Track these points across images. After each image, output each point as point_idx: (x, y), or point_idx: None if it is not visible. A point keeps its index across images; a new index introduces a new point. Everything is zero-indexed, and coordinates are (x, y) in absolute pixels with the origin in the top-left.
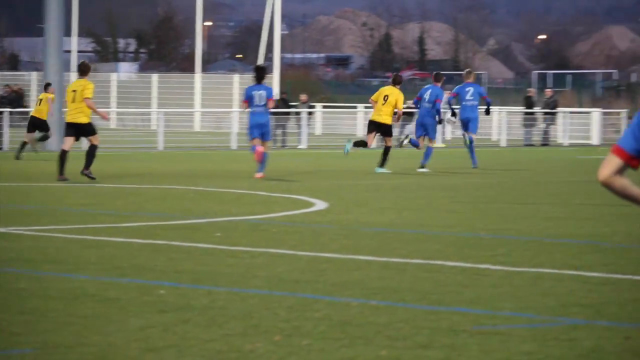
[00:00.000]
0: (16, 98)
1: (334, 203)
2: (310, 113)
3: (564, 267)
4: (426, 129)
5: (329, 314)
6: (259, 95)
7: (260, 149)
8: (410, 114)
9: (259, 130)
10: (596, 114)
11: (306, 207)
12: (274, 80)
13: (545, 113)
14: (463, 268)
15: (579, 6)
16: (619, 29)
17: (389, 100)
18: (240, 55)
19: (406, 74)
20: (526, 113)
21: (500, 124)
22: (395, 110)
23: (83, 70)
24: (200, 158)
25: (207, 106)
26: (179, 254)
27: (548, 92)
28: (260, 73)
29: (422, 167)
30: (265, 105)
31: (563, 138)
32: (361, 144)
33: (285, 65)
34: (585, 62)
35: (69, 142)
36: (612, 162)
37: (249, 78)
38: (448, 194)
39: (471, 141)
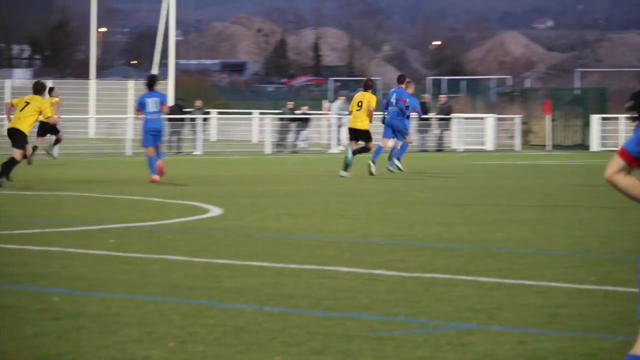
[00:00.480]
0: None
1: (229, 209)
2: (205, 119)
3: (457, 273)
4: (395, 132)
5: (224, 320)
6: (153, 101)
7: (160, 164)
8: (307, 120)
9: (153, 138)
10: (490, 119)
11: (201, 214)
12: (169, 87)
13: (440, 119)
14: (357, 274)
15: (472, 12)
16: (512, 35)
17: (363, 106)
18: (135, 62)
19: (301, 80)
20: (420, 119)
21: None
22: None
23: None
24: (94, 164)
25: (102, 112)
26: (73, 261)
27: (442, 97)
28: (152, 81)
29: (397, 164)
30: (159, 111)
31: (457, 144)
32: (363, 149)
33: (180, 72)
34: (479, 68)
35: None
36: (616, 162)
37: (144, 84)
38: (343, 199)
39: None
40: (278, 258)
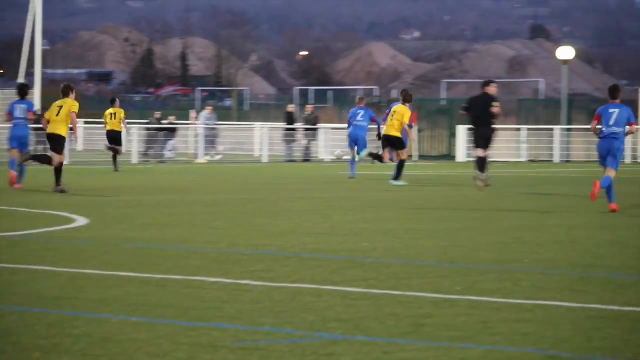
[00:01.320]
0: None
1: (95, 219)
2: (71, 129)
3: (323, 283)
4: (392, 144)
5: (89, 331)
6: (21, 108)
7: (13, 174)
8: (174, 130)
9: (18, 142)
10: None
11: (67, 223)
12: (35, 96)
13: (306, 129)
14: (224, 284)
15: (340, 23)
16: (379, 46)
17: (396, 116)
18: (2, 71)
19: (168, 90)
20: (287, 129)
21: (262, 140)
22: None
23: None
24: None
25: None
26: None
27: (309, 108)
28: (23, 90)
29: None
30: (25, 118)
31: (324, 154)
32: (377, 156)
33: (47, 81)
34: (346, 78)
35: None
36: None
37: (10, 93)
38: (210, 209)
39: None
40: (144, 268)
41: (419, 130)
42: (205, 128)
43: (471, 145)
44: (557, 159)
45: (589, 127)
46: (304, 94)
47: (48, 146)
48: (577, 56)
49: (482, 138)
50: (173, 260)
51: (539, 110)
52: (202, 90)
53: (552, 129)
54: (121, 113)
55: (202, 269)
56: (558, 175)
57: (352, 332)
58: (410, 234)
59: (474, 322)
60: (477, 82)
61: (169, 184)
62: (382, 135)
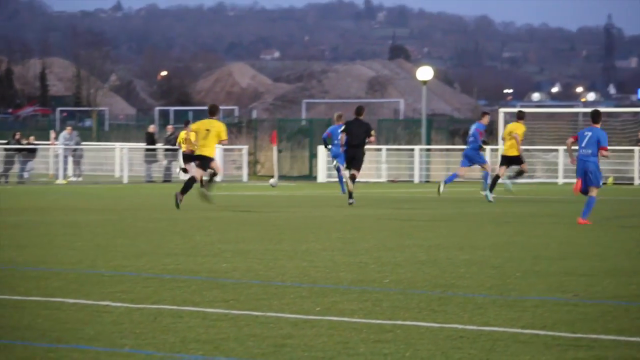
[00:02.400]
0: None
1: None
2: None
3: (184, 304)
4: (471, 160)
5: None
6: None
7: None
8: (33, 151)
9: None
10: (218, 150)
11: None
12: None
13: (167, 149)
14: (84, 305)
15: (200, 43)
16: (239, 66)
17: (511, 135)
18: None
19: (27, 110)
20: (147, 149)
21: (122, 160)
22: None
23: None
24: None
25: None
26: None
27: (169, 128)
28: None
29: (489, 190)
30: None
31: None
32: (519, 173)
33: None
34: (206, 98)
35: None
36: None
37: None
38: (70, 230)
39: (338, 169)
40: (3, 290)
41: (279, 151)
42: (65, 148)
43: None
44: (417, 179)
45: (449, 147)
46: (164, 114)
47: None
48: (436, 76)
49: (358, 160)
50: (32, 282)
51: (398, 131)
52: (62, 111)
53: (412, 149)
54: None
55: (61, 290)
56: (417, 195)
57: (212, 352)
58: (270, 254)
59: (334, 342)
60: (337, 102)
61: (29, 205)
62: (502, 155)
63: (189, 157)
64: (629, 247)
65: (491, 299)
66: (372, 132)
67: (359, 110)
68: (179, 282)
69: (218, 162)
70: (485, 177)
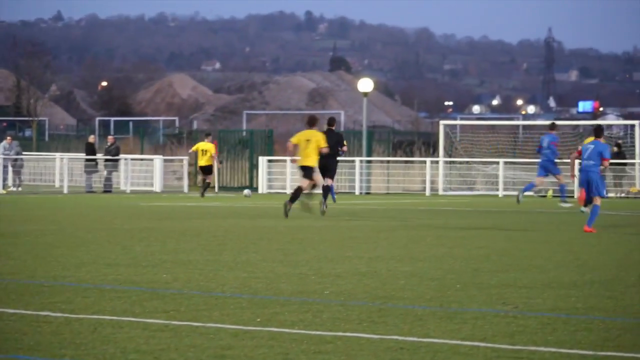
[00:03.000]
0: None
1: None
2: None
3: (124, 314)
4: (547, 170)
5: None
6: None
7: None
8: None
9: None
10: (158, 160)
11: None
12: None
13: (107, 160)
14: (23, 315)
15: (140, 53)
16: (180, 77)
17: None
18: None
19: None
20: (88, 160)
21: (62, 170)
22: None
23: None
24: None
25: None
26: None
27: (110, 139)
28: None
29: (564, 202)
30: None
31: (125, 185)
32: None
33: None
34: (147, 109)
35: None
36: None
37: None
38: (9, 240)
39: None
40: None
41: (220, 162)
42: (5, 158)
43: (272, 177)
44: (357, 190)
45: (390, 158)
46: (104, 125)
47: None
48: (376, 88)
49: (331, 169)
50: None
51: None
52: (2, 121)
53: (352, 161)
54: None
55: (0, 300)
56: (358, 207)
57: None
58: (211, 265)
59: (275, 353)
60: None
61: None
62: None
63: (207, 170)
64: (568, 260)
65: (431, 311)
66: (344, 142)
67: (331, 121)
68: (119, 292)
69: (319, 173)
70: (562, 189)
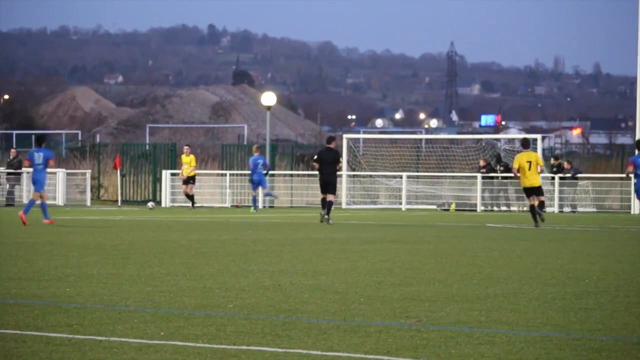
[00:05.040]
0: None
1: None
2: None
3: (27, 328)
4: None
5: None
6: (38, 155)
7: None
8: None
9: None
10: (61, 174)
11: None
12: None
13: (10, 173)
14: None
15: (43, 66)
16: (83, 90)
17: (533, 163)
18: None
19: None
20: None
21: None
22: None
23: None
24: None
25: None
26: None
27: (12, 152)
28: (41, 139)
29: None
30: (43, 164)
31: (28, 198)
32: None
33: None
34: (49, 122)
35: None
36: None
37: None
38: None
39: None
40: None
41: (122, 175)
42: None
43: (175, 190)
44: (261, 204)
45: (292, 172)
46: (7, 138)
47: None
48: (279, 102)
49: (332, 185)
50: None
51: (242, 156)
52: None
53: None
54: None
55: None
56: (261, 220)
57: None
58: (114, 278)
59: None
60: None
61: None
62: (526, 187)
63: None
64: (471, 273)
65: (335, 324)
66: (340, 159)
67: (329, 140)
68: (21, 306)
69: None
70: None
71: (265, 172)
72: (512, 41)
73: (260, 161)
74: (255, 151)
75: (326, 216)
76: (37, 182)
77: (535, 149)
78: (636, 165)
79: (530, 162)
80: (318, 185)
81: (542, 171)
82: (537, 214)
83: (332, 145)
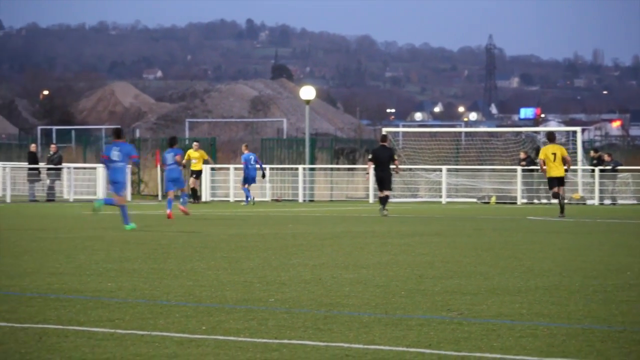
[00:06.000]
0: None
1: None
2: None
3: (69, 323)
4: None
5: None
6: (171, 156)
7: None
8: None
9: (174, 184)
10: (101, 169)
11: None
12: None
13: (50, 169)
14: None
15: (82, 62)
16: (122, 85)
17: (558, 155)
18: None
19: None
20: (30, 169)
21: (5, 180)
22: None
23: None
24: None
25: None
26: None
27: (52, 147)
28: (173, 140)
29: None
30: (176, 162)
31: (68, 193)
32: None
33: None
34: (89, 117)
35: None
36: None
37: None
38: None
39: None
40: None
41: (162, 170)
42: None
43: (216, 185)
44: (301, 198)
45: (332, 166)
46: (46, 134)
47: None
48: (318, 96)
49: (387, 181)
50: None
51: (282, 150)
52: None
53: (295, 169)
54: None
55: None
56: (302, 214)
57: None
58: (155, 273)
59: None
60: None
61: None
62: (551, 177)
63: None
64: (512, 266)
65: (376, 318)
66: (396, 156)
67: (384, 138)
68: (63, 301)
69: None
70: None
71: (258, 167)
72: (551, 34)
73: (252, 157)
74: (244, 149)
75: (384, 211)
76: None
77: (564, 142)
78: None
79: (555, 154)
80: (358, 179)
81: (567, 168)
82: (560, 204)
83: (385, 143)
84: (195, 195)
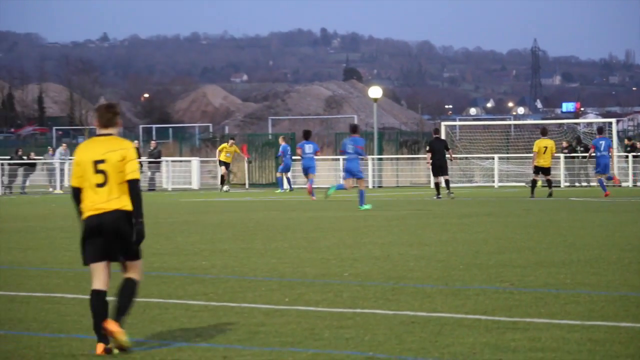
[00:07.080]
0: None
1: None
2: None
3: (169, 297)
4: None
5: None
6: (309, 147)
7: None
8: (33, 165)
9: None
10: (195, 162)
11: None
12: None
13: (151, 162)
14: (81, 299)
15: (177, 69)
16: (212, 88)
17: (549, 149)
18: None
19: (27, 130)
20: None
21: None
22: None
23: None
24: None
25: None
26: None
27: (153, 143)
28: (308, 133)
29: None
30: (313, 153)
31: (167, 184)
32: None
33: None
34: (184, 117)
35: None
36: None
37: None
38: (67, 235)
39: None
40: (10, 287)
41: (249, 162)
42: (61, 162)
43: (295, 175)
44: (370, 184)
45: (398, 156)
46: (147, 131)
47: None
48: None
49: (443, 168)
50: (35, 280)
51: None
52: (58, 130)
53: (366, 159)
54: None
55: (61, 286)
56: (371, 198)
57: (195, 340)
58: (244, 252)
59: (302, 329)
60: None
61: (30, 213)
62: (537, 166)
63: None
64: (557, 242)
65: (438, 289)
66: (449, 147)
67: (437, 131)
68: (164, 278)
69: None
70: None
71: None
72: (589, 36)
73: (288, 148)
74: (281, 141)
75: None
76: (310, 168)
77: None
78: None
79: (546, 147)
80: (420, 167)
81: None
82: (534, 187)
83: (439, 135)
84: (223, 183)
